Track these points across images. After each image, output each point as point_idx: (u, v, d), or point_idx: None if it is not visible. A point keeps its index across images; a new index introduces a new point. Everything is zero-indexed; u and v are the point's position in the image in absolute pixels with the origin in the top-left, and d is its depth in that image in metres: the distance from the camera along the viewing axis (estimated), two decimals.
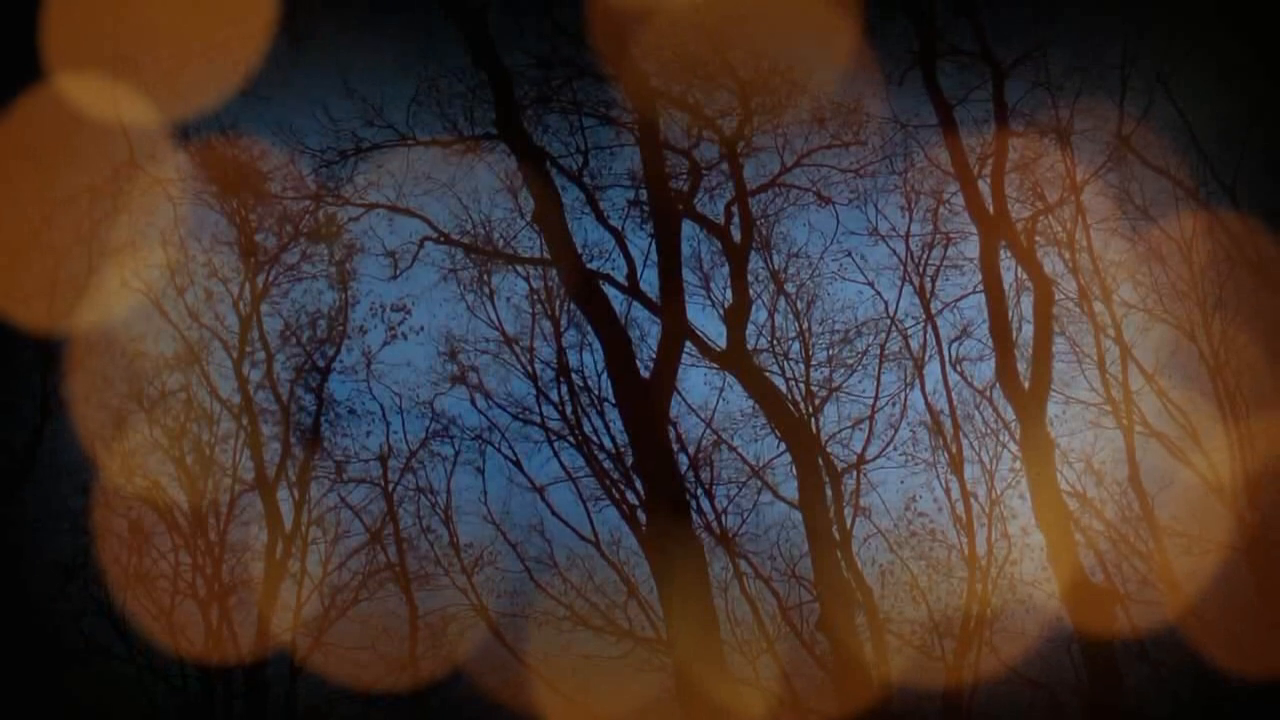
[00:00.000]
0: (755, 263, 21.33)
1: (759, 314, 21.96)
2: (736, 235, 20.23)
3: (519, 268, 21.97)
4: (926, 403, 22.28)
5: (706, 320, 21.29)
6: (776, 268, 22.38)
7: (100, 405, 20.32)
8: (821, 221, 22.25)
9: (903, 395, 22.49)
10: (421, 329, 21.92)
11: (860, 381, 22.52)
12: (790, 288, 22.52)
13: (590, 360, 22.04)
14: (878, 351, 22.49)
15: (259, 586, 20.45)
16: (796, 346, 22.52)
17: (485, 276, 22.13)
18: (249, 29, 18.44)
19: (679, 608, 16.89)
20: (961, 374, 22.22)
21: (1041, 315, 19.25)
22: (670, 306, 18.63)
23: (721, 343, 19.58)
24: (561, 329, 22.26)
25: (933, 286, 22.29)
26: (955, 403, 22.16)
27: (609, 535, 21.77)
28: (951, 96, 19.97)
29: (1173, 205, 21.10)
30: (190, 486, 20.81)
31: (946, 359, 22.17)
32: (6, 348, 19.19)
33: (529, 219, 20.26)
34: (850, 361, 22.54)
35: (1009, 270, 20.35)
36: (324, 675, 20.24)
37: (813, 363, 22.51)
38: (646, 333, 21.02)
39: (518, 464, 22.04)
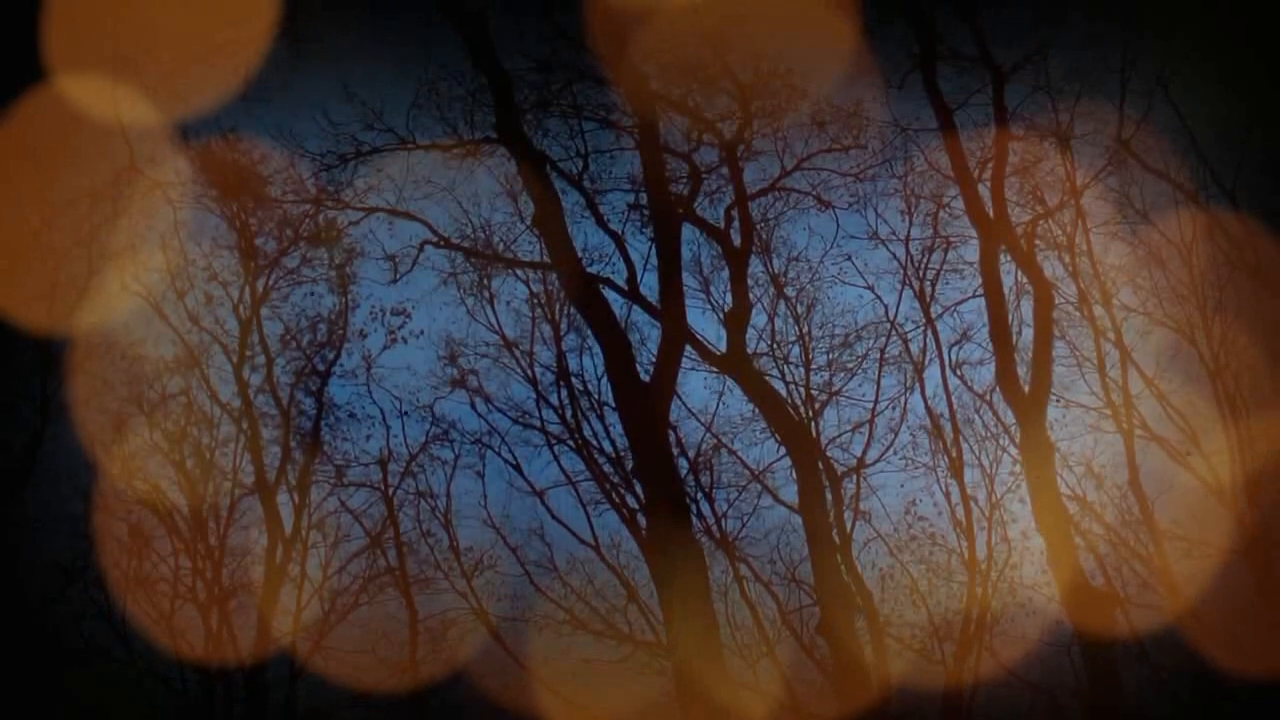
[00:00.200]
0: (755, 266, 21.35)
1: (759, 318, 21.95)
2: (736, 239, 20.22)
3: (519, 271, 21.98)
4: (926, 407, 22.29)
5: (706, 324, 21.35)
6: (776, 271, 22.38)
7: (100, 408, 20.31)
8: (821, 225, 22.25)
9: (903, 399, 22.49)
10: (421, 333, 21.95)
11: (860, 385, 22.54)
12: (790, 291, 22.52)
13: (590, 364, 22.04)
14: (878, 355, 22.50)
15: (259, 590, 20.44)
16: (796, 350, 22.54)
17: (485, 280, 22.13)
18: (249, 32, 18.45)
19: (679, 611, 16.91)
20: (961, 378, 22.22)
21: (1041, 319, 19.26)
22: (670, 310, 18.64)
23: (721, 346, 19.63)
24: (561, 333, 22.25)
25: (933, 290, 22.29)
26: (955, 407, 22.17)
27: (609, 539, 21.78)
28: (951, 100, 20.01)
29: (1173, 208, 21.08)
30: (190, 490, 20.81)
31: (946, 363, 22.17)
32: (7, 350, 19.19)
33: (529, 223, 20.30)
34: (850, 365, 22.53)
35: (1009, 274, 20.39)
36: (324, 679, 20.22)
37: (813, 367, 22.52)
38: (646, 336, 21.03)
39: (518, 468, 22.03)
